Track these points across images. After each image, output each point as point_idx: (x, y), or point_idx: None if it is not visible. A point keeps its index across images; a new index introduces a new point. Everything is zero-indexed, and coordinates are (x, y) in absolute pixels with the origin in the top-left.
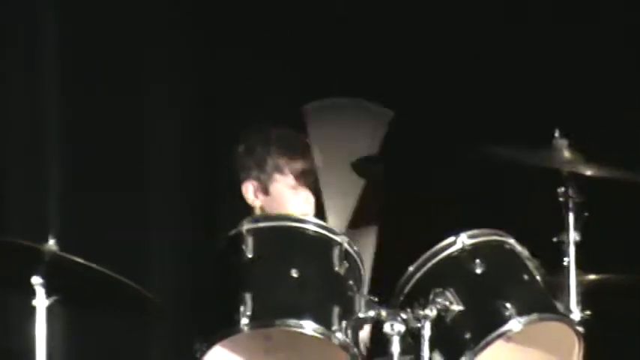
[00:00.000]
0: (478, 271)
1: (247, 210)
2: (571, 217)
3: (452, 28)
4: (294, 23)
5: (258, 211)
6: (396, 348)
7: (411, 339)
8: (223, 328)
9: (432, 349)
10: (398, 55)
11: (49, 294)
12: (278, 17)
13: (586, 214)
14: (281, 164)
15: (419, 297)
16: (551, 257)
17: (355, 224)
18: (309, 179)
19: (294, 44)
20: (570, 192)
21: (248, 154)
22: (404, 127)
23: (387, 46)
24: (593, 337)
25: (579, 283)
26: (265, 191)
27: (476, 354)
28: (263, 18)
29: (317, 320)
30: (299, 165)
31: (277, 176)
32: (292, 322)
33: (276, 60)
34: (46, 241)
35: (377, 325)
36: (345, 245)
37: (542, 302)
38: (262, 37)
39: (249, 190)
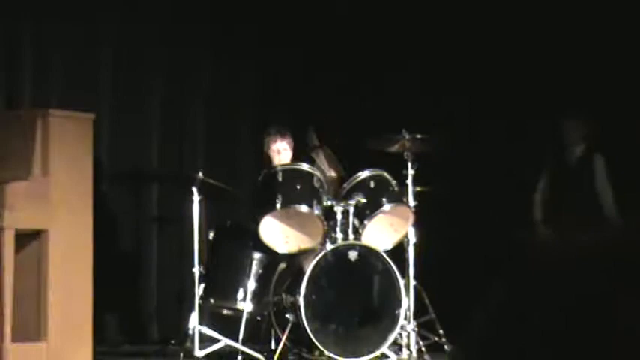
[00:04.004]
0: (372, 186)
1: (267, 160)
2: (410, 164)
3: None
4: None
5: (273, 162)
6: (339, 217)
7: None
8: (270, 209)
9: (354, 217)
10: None
11: (205, 197)
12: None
13: (417, 164)
14: (283, 145)
15: (348, 196)
16: (403, 181)
17: None
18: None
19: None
20: (410, 154)
21: (277, 135)
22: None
23: None
24: (419, 213)
25: (413, 191)
26: (278, 154)
27: (370, 220)
28: None
29: (307, 205)
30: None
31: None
32: (297, 206)
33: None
34: (198, 172)
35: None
36: (319, 175)
37: (398, 197)
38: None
39: (267, 152)
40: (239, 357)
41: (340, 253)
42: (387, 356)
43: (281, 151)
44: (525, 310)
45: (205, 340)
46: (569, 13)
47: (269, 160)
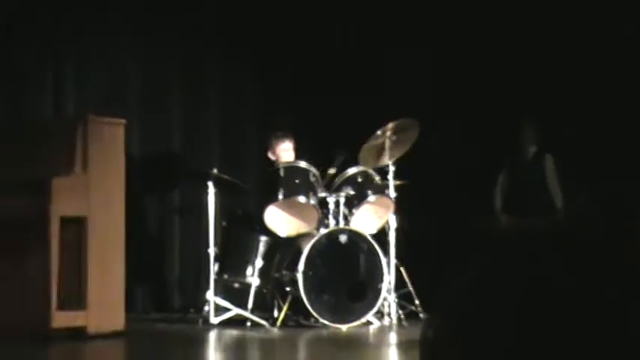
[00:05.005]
0: (359, 180)
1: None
2: (390, 161)
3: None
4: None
5: (277, 161)
6: (331, 206)
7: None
8: (273, 199)
9: (344, 207)
10: None
11: (214, 188)
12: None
13: (394, 156)
14: (287, 146)
15: (338, 189)
16: (385, 176)
17: None
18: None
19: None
20: (389, 151)
21: (281, 138)
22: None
23: None
24: (399, 203)
25: (394, 185)
26: (278, 154)
27: (358, 209)
28: None
29: (305, 196)
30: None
31: (285, 150)
32: (296, 197)
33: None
34: (212, 168)
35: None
36: (314, 171)
37: (381, 190)
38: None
39: (274, 151)
40: (247, 323)
41: (332, 236)
42: (372, 323)
43: (283, 152)
44: (500, 281)
45: (219, 310)
46: (527, 23)
47: (274, 158)
